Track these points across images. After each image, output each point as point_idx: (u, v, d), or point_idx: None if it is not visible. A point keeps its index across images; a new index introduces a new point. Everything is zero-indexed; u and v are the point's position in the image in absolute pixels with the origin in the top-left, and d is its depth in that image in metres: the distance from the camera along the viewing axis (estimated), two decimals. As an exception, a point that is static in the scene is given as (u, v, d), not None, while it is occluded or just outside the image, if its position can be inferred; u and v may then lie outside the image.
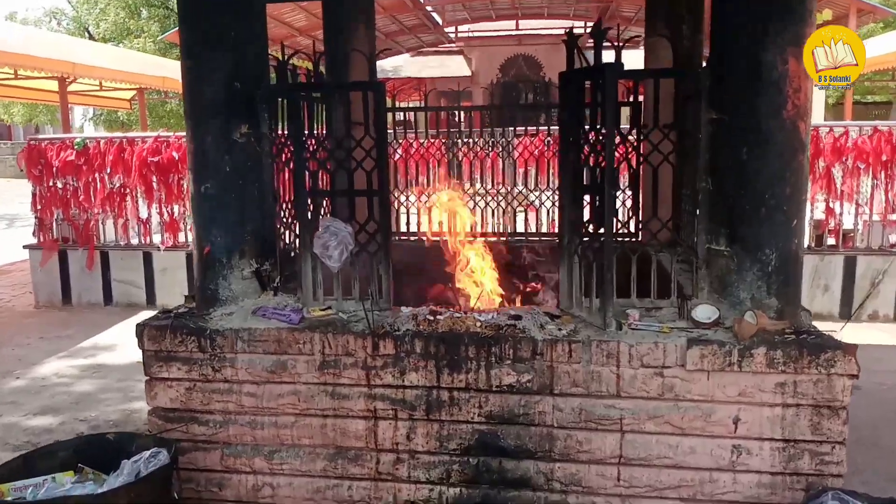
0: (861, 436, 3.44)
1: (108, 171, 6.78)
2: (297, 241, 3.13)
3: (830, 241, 6.25)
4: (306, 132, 3.12)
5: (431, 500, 2.83)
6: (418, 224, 5.13)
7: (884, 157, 5.86)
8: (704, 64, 3.02)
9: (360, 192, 3.01)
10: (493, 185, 5.46)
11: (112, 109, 20.01)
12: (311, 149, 3.10)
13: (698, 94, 2.78)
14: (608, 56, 2.75)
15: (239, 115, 3.00)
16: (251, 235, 3.09)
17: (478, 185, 5.44)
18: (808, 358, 2.53)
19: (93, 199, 6.89)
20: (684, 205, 3.00)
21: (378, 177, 2.93)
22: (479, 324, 2.80)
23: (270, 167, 3.14)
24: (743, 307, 2.69)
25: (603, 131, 2.70)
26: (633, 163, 2.92)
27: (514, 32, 20.20)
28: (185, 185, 6.61)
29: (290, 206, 3.31)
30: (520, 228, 5.27)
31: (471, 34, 20.38)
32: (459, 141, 5.37)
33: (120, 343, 5.78)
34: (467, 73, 20.59)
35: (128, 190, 6.84)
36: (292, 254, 3.28)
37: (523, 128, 5.85)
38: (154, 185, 6.75)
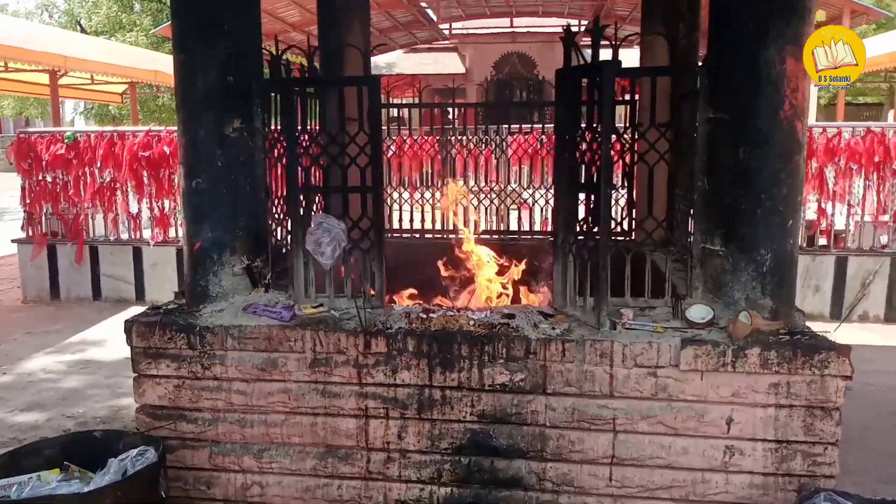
0: (851, 436, 3.44)
1: (99, 165, 6.72)
2: (290, 237, 3.10)
3: (822, 241, 6.27)
4: (300, 127, 3.09)
5: (422, 499, 2.81)
6: (411, 221, 5.10)
7: (876, 158, 5.89)
8: (701, 63, 3.00)
9: (353, 189, 2.98)
10: (486, 183, 5.44)
11: (103, 103, 19.89)
12: (304, 144, 3.07)
13: (695, 92, 2.76)
14: (605, 54, 2.73)
15: (232, 110, 2.97)
16: (243, 231, 3.05)
17: (471, 183, 5.43)
18: (802, 359, 2.52)
19: (83, 193, 6.83)
20: (679, 204, 2.99)
21: (372, 173, 2.91)
22: (472, 322, 2.78)
23: (263, 162, 3.11)
24: (737, 307, 2.68)
25: (599, 129, 2.68)
26: (629, 161, 2.90)
27: (508, 30, 20.25)
28: (175, 180, 6.56)
29: (282, 202, 3.28)
30: (513, 226, 5.25)
31: (465, 31, 20.41)
32: (453, 138, 5.35)
33: (108, 339, 5.72)
34: (461, 70, 20.63)
35: (118, 184, 6.79)
36: (284, 250, 3.25)
37: (517, 125, 5.83)
38: (145, 179, 6.69)
